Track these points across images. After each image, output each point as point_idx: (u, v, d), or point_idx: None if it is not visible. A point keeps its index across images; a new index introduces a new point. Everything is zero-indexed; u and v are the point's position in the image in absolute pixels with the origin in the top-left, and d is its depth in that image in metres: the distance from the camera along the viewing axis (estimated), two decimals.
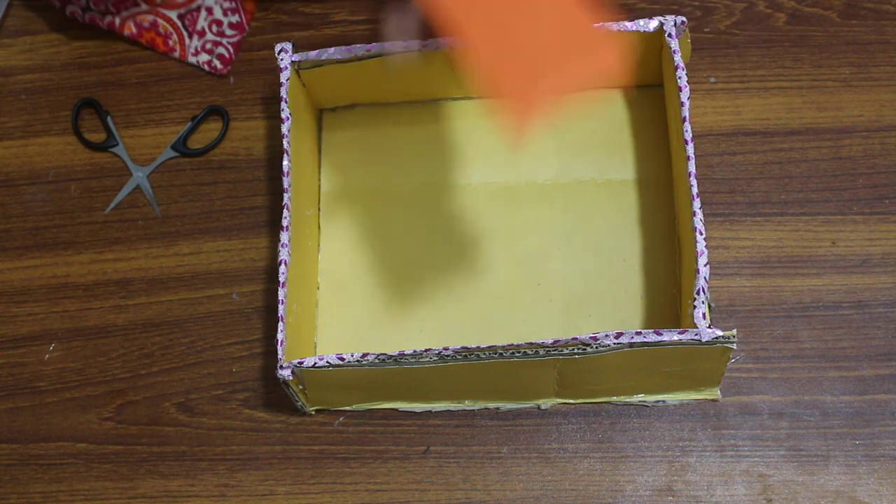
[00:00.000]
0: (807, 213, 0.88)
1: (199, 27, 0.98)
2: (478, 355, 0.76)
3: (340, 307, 0.89)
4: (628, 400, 0.84)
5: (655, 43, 0.86)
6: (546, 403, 0.85)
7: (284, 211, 0.82)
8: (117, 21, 0.98)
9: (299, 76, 0.88)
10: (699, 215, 0.78)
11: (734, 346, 0.75)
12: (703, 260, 0.76)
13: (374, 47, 0.85)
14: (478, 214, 0.90)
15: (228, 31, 0.98)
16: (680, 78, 0.82)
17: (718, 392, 0.84)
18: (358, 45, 0.86)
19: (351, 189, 0.92)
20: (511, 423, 0.85)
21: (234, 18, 0.98)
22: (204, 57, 0.97)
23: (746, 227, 0.88)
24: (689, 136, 0.80)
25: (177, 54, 0.98)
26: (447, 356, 0.76)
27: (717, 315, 0.86)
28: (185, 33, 0.98)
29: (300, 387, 0.81)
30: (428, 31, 0.74)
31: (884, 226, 0.87)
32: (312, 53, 0.86)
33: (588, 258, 0.87)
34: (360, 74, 0.88)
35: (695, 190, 0.79)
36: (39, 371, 0.90)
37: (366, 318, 0.88)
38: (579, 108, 0.93)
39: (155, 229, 0.94)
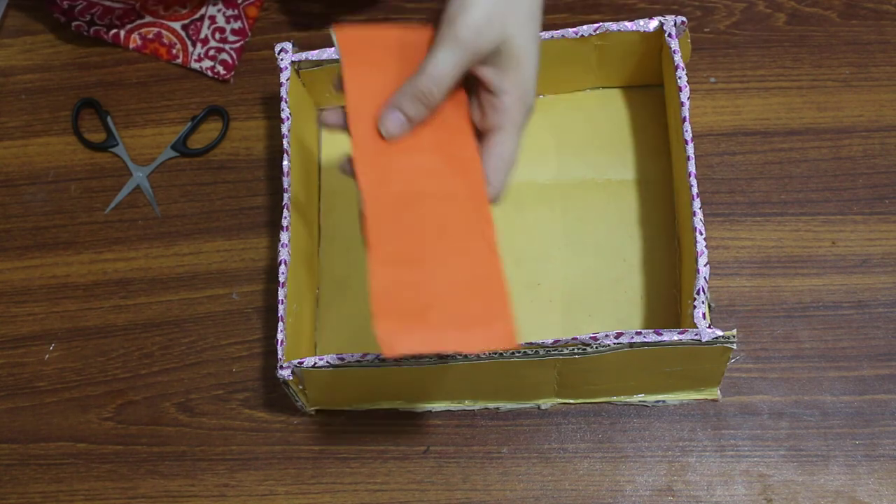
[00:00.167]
0: (807, 213, 0.88)
1: (202, 35, 0.98)
2: (478, 355, 0.76)
3: (340, 307, 0.89)
4: (628, 400, 0.84)
5: (655, 43, 0.86)
6: (546, 403, 0.85)
7: (284, 211, 0.82)
8: (122, 34, 0.99)
9: (299, 76, 0.88)
10: (699, 215, 0.78)
11: (734, 346, 0.75)
12: (703, 260, 0.76)
13: None
14: None
15: (231, 38, 0.98)
16: (680, 78, 0.82)
17: (718, 392, 0.84)
18: None
19: (351, 189, 0.92)
20: (511, 423, 0.85)
21: (237, 25, 0.98)
22: (207, 63, 0.98)
23: (746, 227, 0.88)
24: (689, 136, 0.80)
25: (179, 61, 0.98)
26: (447, 356, 0.76)
27: (717, 315, 0.86)
28: (188, 42, 0.98)
29: (300, 387, 0.81)
30: None
31: (884, 226, 0.87)
32: (312, 53, 0.86)
33: (588, 258, 0.87)
34: None
35: (695, 190, 0.79)
36: (39, 371, 0.90)
37: (366, 318, 0.87)
38: (579, 108, 0.94)
39: (155, 229, 0.94)
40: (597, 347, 0.75)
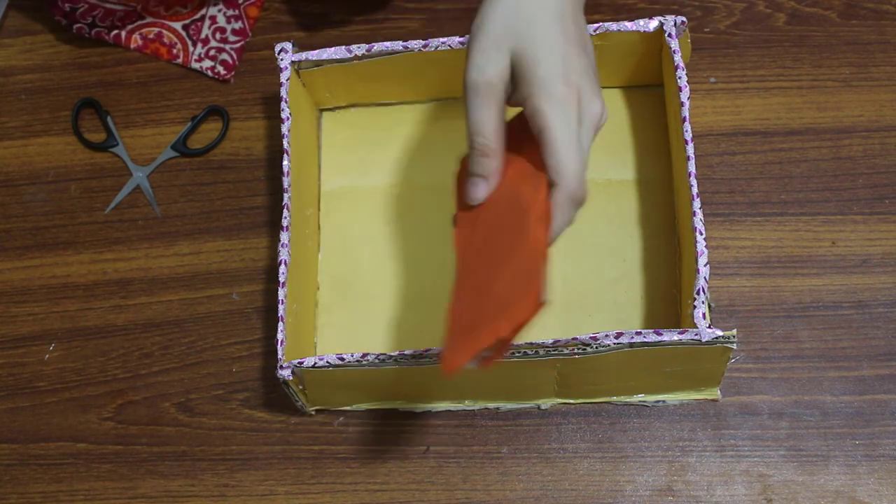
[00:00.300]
0: (807, 213, 0.88)
1: (202, 35, 0.98)
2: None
3: (340, 307, 0.89)
4: (628, 400, 0.84)
5: (655, 43, 0.86)
6: (546, 403, 0.85)
7: (284, 211, 0.82)
8: (123, 34, 0.99)
9: (299, 76, 0.88)
10: (699, 215, 0.78)
11: (734, 346, 0.75)
12: (703, 260, 0.76)
13: (374, 47, 0.85)
14: None
15: (232, 38, 0.98)
16: (680, 78, 0.82)
17: (718, 392, 0.84)
18: (358, 45, 0.86)
19: (351, 189, 0.92)
20: (511, 423, 0.85)
21: (238, 25, 0.98)
22: (207, 63, 0.98)
23: (746, 227, 0.88)
24: (689, 136, 0.80)
25: (180, 61, 0.98)
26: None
27: (717, 315, 0.86)
28: (189, 42, 0.98)
29: (300, 387, 0.81)
30: None
31: (884, 226, 0.87)
32: (312, 53, 0.86)
33: (588, 258, 0.87)
34: (360, 74, 0.88)
35: (695, 190, 0.79)
36: (39, 371, 0.90)
37: (366, 318, 0.88)
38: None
39: (155, 229, 0.94)
40: (597, 347, 0.75)
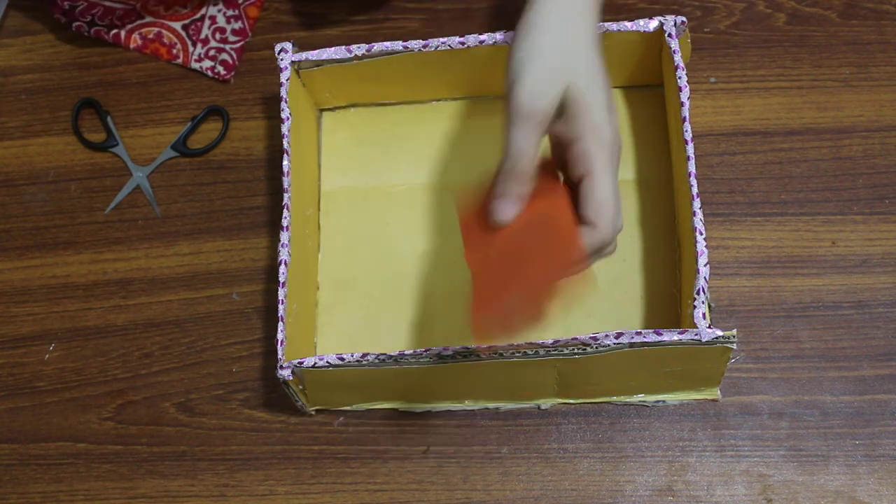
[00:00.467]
0: (807, 213, 0.88)
1: (202, 35, 0.98)
2: (478, 355, 0.76)
3: (340, 307, 0.89)
4: (628, 400, 0.84)
5: (655, 43, 0.86)
6: (546, 403, 0.85)
7: (284, 211, 0.82)
8: (122, 34, 0.99)
9: (299, 76, 0.88)
10: (699, 215, 0.78)
11: (734, 346, 0.75)
12: (703, 260, 0.76)
13: (374, 47, 0.85)
14: None
15: (231, 38, 0.98)
16: (680, 78, 0.82)
17: (718, 392, 0.84)
18: (358, 45, 0.86)
19: (351, 189, 0.92)
20: (511, 423, 0.85)
21: (237, 25, 0.98)
22: (207, 63, 0.98)
23: (746, 227, 0.88)
24: (689, 136, 0.80)
25: (180, 61, 0.98)
26: (447, 356, 0.76)
27: (717, 315, 0.86)
28: (188, 42, 0.98)
29: (300, 387, 0.81)
30: None
31: (884, 226, 0.87)
32: (312, 53, 0.86)
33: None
34: (360, 74, 0.88)
35: (695, 190, 0.79)
36: (39, 371, 0.90)
37: (366, 318, 0.88)
38: None
39: (155, 229, 0.94)
40: (597, 347, 0.75)
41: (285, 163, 0.83)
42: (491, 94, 0.92)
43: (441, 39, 0.85)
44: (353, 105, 0.94)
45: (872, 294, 0.86)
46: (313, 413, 0.86)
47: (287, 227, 0.82)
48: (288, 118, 0.84)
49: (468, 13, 0.97)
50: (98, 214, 0.95)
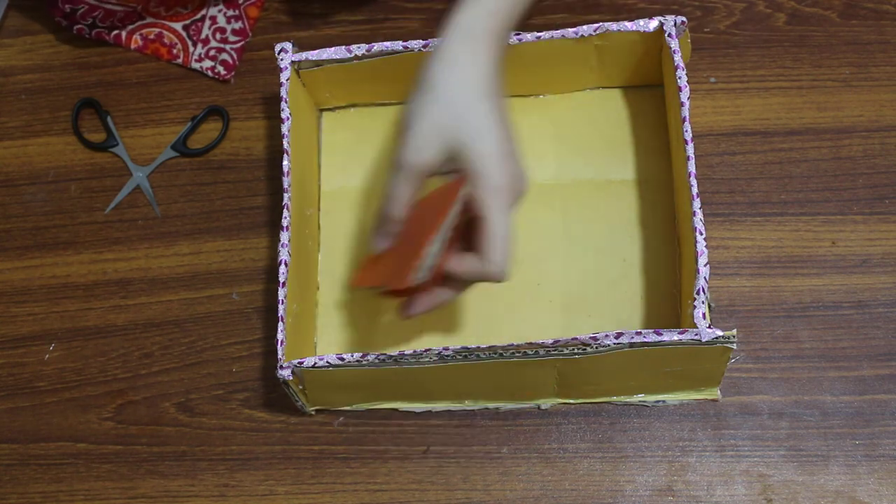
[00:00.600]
0: (807, 213, 0.88)
1: (203, 36, 0.98)
2: (478, 355, 0.76)
3: (340, 307, 0.89)
4: (628, 400, 0.84)
5: (655, 43, 0.86)
6: (546, 403, 0.85)
7: (284, 211, 0.82)
8: (123, 35, 0.99)
9: (299, 76, 0.88)
10: (699, 215, 0.78)
11: (734, 346, 0.75)
12: (703, 260, 0.76)
13: (374, 47, 0.85)
14: None
15: (232, 38, 0.98)
16: (680, 78, 0.82)
17: (718, 392, 0.84)
18: (358, 45, 0.86)
19: (351, 189, 0.92)
20: (511, 423, 0.85)
21: (238, 25, 0.98)
22: (207, 63, 0.98)
23: (746, 227, 0.88)
24: (689, 136, 0.80)
25: (180, 61, 0.98)
26: (447, 356, 0.76)
27: (717, 315, 0.86)
28: (189, 42, 0.98)
29: (300, 387, 0.81)
30: None
31: (884, 226, 0.87)
32: (312, 53, 0.86)
33: (588, 258, 0.87)
34: (360, 74, 0.88)
35: (695, 190, 0.79)
36: (39, 371, 0.90)
37: (366, 318, 0.88)
38: (579, 108, 0.94)
39: (155, 229, 0.94)
40: (597, 347, 0.75)
41: (285, 163, 0.83)
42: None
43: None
44: (353, 105, 0.94)
45: (872, 294, 0.86)
46: (313, 413, 0.86)
47: (287, 227, 0.82)
48: (288, 118, 0.84)
49: None
50: (98, 214, 0.95)
